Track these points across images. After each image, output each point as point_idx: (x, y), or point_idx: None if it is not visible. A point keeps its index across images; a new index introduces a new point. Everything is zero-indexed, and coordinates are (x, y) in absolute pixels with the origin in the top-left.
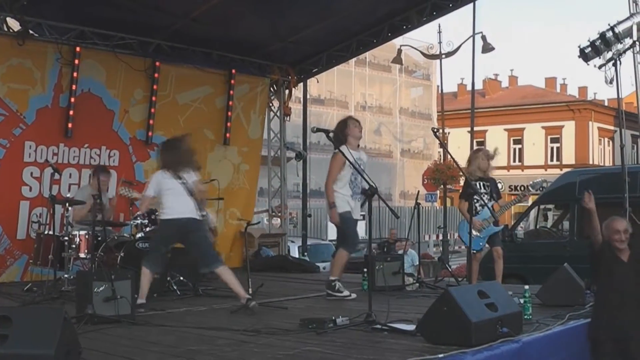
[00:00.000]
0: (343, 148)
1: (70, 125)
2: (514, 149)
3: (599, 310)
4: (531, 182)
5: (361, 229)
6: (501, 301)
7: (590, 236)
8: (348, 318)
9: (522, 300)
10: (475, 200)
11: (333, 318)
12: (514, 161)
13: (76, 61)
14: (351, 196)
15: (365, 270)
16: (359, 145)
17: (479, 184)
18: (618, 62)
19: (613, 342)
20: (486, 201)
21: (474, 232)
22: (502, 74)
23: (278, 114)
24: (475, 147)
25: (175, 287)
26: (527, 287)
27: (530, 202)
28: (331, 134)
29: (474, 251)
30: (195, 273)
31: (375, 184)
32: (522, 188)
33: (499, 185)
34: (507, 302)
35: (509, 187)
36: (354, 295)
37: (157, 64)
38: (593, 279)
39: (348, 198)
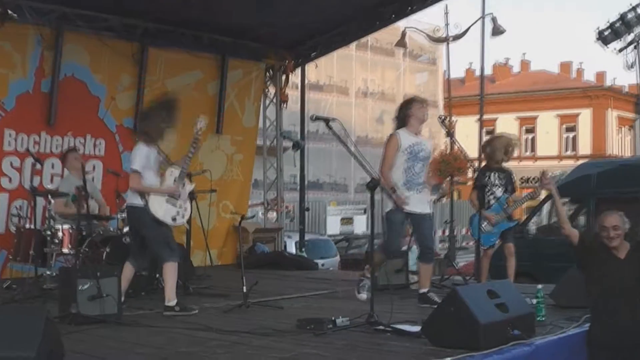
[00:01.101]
0: (400, 131)
1: (52, 112)
2: (526, 139)
3: (593, 314)
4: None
5: (362, 223)
6: (512, 301)
7: (563, 227)
8: (348, 319)
9: (534, 301)
10: (488, 192)
11: (332, 319)
12: (526, 151)
13: (59, 44)
14: (405, 186)
15: (366, 267)
16: (420, 132)
17: (493, 174)
18: (639, 45)
19: (608, 350)
20: (500, 194)
21: (487, 227)
22: (514, 59)
23: (274, 100)
24: (485, 136)
25: (164, 285)
26: (540, 286)
27: (543, 195)
28: (330, 122)
29: (484, 247)
30: (185, 269)
31: (378, 175)
32: (536, 181)
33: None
34: (519, 303)
35: (521, 179)
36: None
37: (145, 48)
38: (585, 279)
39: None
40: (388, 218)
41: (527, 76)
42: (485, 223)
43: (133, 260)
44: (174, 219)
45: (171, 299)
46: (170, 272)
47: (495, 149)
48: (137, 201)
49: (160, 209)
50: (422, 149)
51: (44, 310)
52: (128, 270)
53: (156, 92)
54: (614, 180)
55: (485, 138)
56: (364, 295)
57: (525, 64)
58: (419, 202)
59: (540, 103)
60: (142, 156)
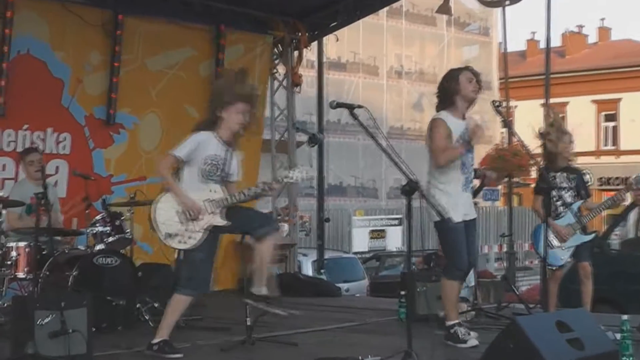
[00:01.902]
0: (443, 114)
1: (2, 99)
2: (606, 128)
3: None
4: (634, 176)
5: (396, 237)
6: (589, 336)
7: None
8: (380, 358)
9: (618, 336)
10: (555, 199)
11: (360, 358)
12: (606, 144)
13: (9, 13)
14: (463, 187)
15: (402, 293)
16: (464, 116)
17: (560, 174)
18: None
19: None
20: (570, 199)
21: (556, 243)
22: (589, 26)
23: (284, 83)
24: None
25: (147, 317)
26: (625, 317)
27: (629, 201)
28: (355, 110)
29: (553, 267)
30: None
31: (417, 176)
32: (620, 182)
33: (586, 178)
34: (598, 338)
35: (599, 179)
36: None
37: (120, 16)
38: None
39: (458, 195)
40: (441, 228)
41: (607, 47)
42: (553, 237)
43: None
44: (168, 236)
45: (159, 336)
46: (173, 305)
47: (564, 141)
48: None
49: (165, 213)
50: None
51: None
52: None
53: (134, 74)
54: None
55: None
56: (474, 341)
57: (604, 32)
58: (466, 206)
59: (624, 82)
60: (191, 142)
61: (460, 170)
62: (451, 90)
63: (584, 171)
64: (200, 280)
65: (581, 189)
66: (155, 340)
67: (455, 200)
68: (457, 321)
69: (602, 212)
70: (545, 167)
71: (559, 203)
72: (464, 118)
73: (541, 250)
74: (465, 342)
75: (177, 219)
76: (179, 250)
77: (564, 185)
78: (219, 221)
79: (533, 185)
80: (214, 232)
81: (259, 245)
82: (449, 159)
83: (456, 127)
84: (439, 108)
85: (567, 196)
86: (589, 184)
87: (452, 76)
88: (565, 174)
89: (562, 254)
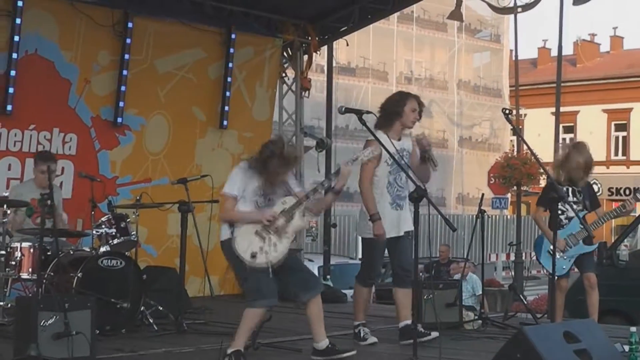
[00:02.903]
0: (379, 134)
1: (9, 99)
2: (616, 138)
3: None
4: None
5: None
6: (597, 347)
7: None
8: None
9: (627, 348)
10: (560, 212)
11: None
12: (616, 154)
13: (18, 11)
14: (391, 205)
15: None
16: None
17: (569, 190)
18: None
19: None
20: (576, 210)
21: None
22: (602, 34)
23: (293, 87)
24: (563, 135)
25: (151, 321)
26: (633, 328)
27: (638, 212)
28: (364, 116)
29: (556, 277)
30: (178, 300)
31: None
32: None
33: (595, 188)
34: (606, 350)
35: (609, 190)
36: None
37: (130, 16)
38: None
39: (383, 212)
40: (365, 242)
41: (619, 56)
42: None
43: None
44: (253, 256)
45: (234, 346)
46: (246, 317)
47: (573, 167)
48: (226, 233)
49: (245, 241)
50: (406, 153)
51: None
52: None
53: (142, 75)
54: None
55: (563, 138)
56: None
57: (616, 41)
58: (397, 224)
59: (636, 92)
60: (238, 180)
61: (386, 189)
62: (394, 114)
63: (594, 181)
64: (269, 290)
65: (587, 200)
66: (230, 350)
67: (383, 217)
68: (360, 321)
69: (606, 222)
70: (552, 180)
71: (562, 216)
72: (400, 139)
73: (542, 259)
74: (365, 340)
75: (258, 238)
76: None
77: (571, 198)
78: (300, 224)
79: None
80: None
81: (307, 310)
82: (364, 194)
83: (390, 148)
84: (377, 127)
85: (573, 208)
86: (600, 194)
87: (398, 102)
88: (571, 188)
89: (563, 264)
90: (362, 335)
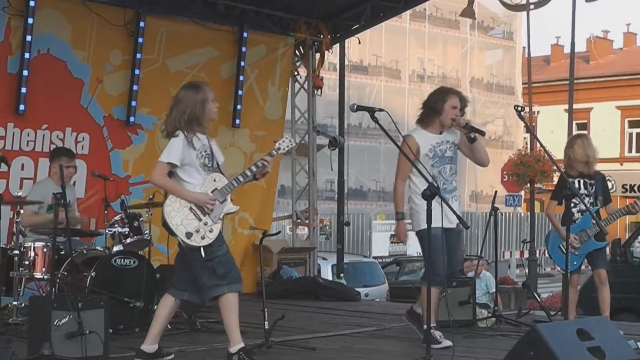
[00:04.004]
0: (417, 131)
1: (22, 99)
2: (630, 134)
3: None
4: None
5: (417, 242)
6: (610, 345)
7: None
8: None
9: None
10: (573, 205)
11: None
12: (630, 151)
13: (31, 11)
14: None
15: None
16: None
17: (580, 182)
18: None
19: None
20: (588, 206)
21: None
22: (615, 31)
23: (305, 86)
24: (576, 132)
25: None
26: None
27: None
28: (376, 114)
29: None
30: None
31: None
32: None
33: (609, 185)
34: (619, 347)
35: (623, 186)
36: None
37: (142, 16)
38: None
39: (420, 205)
40: (420, 236)
41: (632, 53)
42: (564, 242)
43: (176, 290)
44: (188, 235)
45: (234, 344)
46: (227, 308)
47: (574, 158)
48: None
49: (178, 214)
50: (448, 147)
51: (9, 351)
52: (168, 306)
53: (155, 74)
54: None
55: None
56: (448, 341)
57: (629, 38)
58: (447, 216)
59: None
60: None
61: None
62: (433, 110)
63: (608, 178)
64: (237, 272)
65: (600, 195)
66: (234, 350)
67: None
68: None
69: (615, 220)
70: (565, 172)
71: (575, 210)
72: (440, 133)
73: (554, 255)
74: (439, 343)
75: (193, 216)
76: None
77: (583, 191)
78: (232, 207)
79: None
80: None
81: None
82: (396, 191)
83: (428, 140)
84: (417, 121)
85: (585, 202)
86: (613, 190)
87: (438, 98)
88: (583, 180)
89: (573, 259)
90: (437, 337)
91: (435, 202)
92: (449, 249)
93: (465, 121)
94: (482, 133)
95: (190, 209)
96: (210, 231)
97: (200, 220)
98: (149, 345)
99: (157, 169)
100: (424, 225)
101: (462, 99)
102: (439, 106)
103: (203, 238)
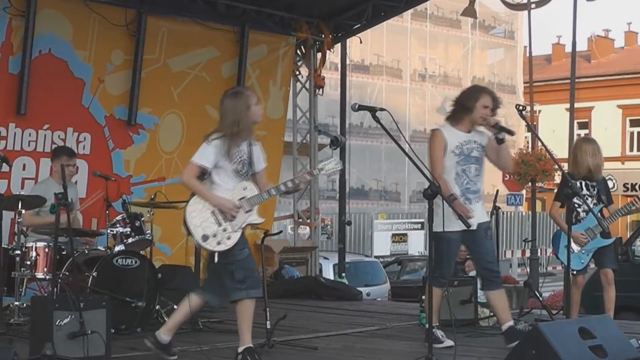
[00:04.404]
0: (445, 126)
1: (23, 99)
2: (631, 133)
3: None
4: None
5: (418, 241)
6: (612, 343)
7: None
8: None
9: None
10: (576, 205)
11: None
12: (631, 150)
13: (31, 11)
14: (459, 198)
15: (423, 297)
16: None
17: (582, 183)
18: None
19: None
20: (591, 206)
21: (576, 248)
22: (616, 30)
23: (307, 85)
24: (577, 131)
25: (166, 319)
26: None
27: None
28: (378, 113)
29: (574, 272)
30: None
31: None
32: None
33: (610, 184)
34: (621, 345)
35: (624, 185)
36: (449, 343)
37: (143, 16)
38: None
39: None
40: (435, 237)
41: (634, 52)
42: (572, 242)
43: (201, 290)
44: (204, 238)
45: (243, 344)
46: (242, 312)
47: (580, 163)
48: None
49: (199, 215)
50: (475, 147)
51: (11, 351)
52: (192, 302)
53: (156, 74)
54: None
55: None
56: (450, 341)
57: (631, 37)
58: (478, 214)
59: None
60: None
61: (455, 180)
62: (464, 108)
63: (609, 177)
64: (256, 277)
65: (602, 195)
66: (240, 350)
67: (448, 209)
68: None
69: (618, 218)
70: (566, 175)
71: (580, 209)
72: (469, 132)
73: (560, 255)
74: (441, 342)
75: (214, 220)
76: (212, 255)
77: (585, 192)
78: (256, 219)
79: (556, 191)
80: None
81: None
82: (441, 179)
83: (456, 137)
84: (447, 119)
85: (588, 203)
86: (615, 190)
87: (470, 97)
88: (586, 182)
89: (581, 258)
90: (439, 337)
91: (471, 204)
92: (478, 249)
93: (495, 121)
94: (512, 133)
95: (212, 212)
96: (228, 238)
97: (219, 225)
98: (164, 335)
99: (187, 169)
100: (438, 228)
101: (494, 99)
102: (470, 104)
103: (219, 244)
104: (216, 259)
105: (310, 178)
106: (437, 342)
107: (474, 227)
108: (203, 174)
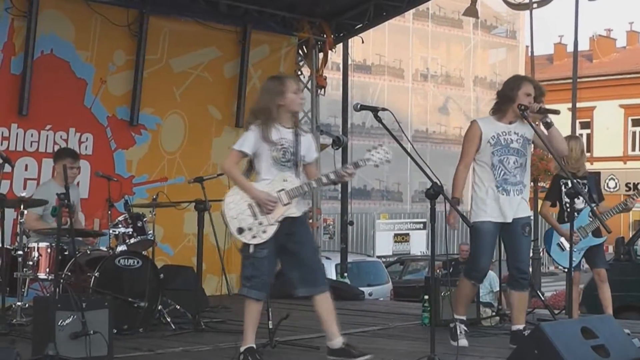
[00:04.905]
0: (484, 118)
1: (26, 99)
2: (633, 133)
3: None
4: None
5: (421, 241)
6: (615, 343)
7: None
8: None
9: None
10: (566, 205)
11: None
12: (633, 149)
13: (33, 12)
14: (497, 188)
15: (426, 297)
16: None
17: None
18: None
19: None
20: (582, 205)
21: (566, 245)
22: (618, 29)
23: (309, 85)
24: (579, 131)
25: (168, 320)
26: None
27: None
28: (380, 113)
29: (565, 269)
30: (196, 299)
31: (441, 180)
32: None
33: (612, 184)
34: (623, 345)
35: (626, 185)
36: (464, 343)
37: (145, 16)
38: None
39: (487, 194)
40: (473, 228)
41: (636, 51)
42: (562, 240)
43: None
44: (240, 231)
45: (243, 344)
46: (245, 310)
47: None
48: None
49: (236, 207)
50: (515, 138)
51: (13, 351)
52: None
53: (158, 74)
54: None
55: (579, 133)
56: (464, 341)
57: (632, 36)
58: (506, 208)
59: None
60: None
61: (491, 170)
62: (507, 98)
63: (610, 177)
64: (264, 281)
65: (593, 193)
66: (242, 349)
67: (484, 199)
68: (460, 316)
69: (612, 217)
70: (557, 175)
71: (569, 209)
72: (510, 123)
73: (552, 253)
74: (454, 340)
75: (250, 212)
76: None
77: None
78: (293, 212)
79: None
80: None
81: (315, 307)
82: (456, 174)
83: (494, 128)
84: (491, 112)
85: (578, 202)
86: (617, 189)
87: (512, 86)
88: (576, 181)
89: (573, 256)
90: (457, 332)
91: (492, 196)
92: (511, 245)
93: (538, 106)
94: (557, 112)
95: (249, 205)
96: (264, 232)
97: (255, 218)
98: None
99: (229, 156)
100: (475, 219)
101: (537, 87)
102: (513, 93)
103: (254, 237)
104: (251, 251)
105: (356, 170)
106: (454, 339)
107: (508, 221)
108: (251, 165)
